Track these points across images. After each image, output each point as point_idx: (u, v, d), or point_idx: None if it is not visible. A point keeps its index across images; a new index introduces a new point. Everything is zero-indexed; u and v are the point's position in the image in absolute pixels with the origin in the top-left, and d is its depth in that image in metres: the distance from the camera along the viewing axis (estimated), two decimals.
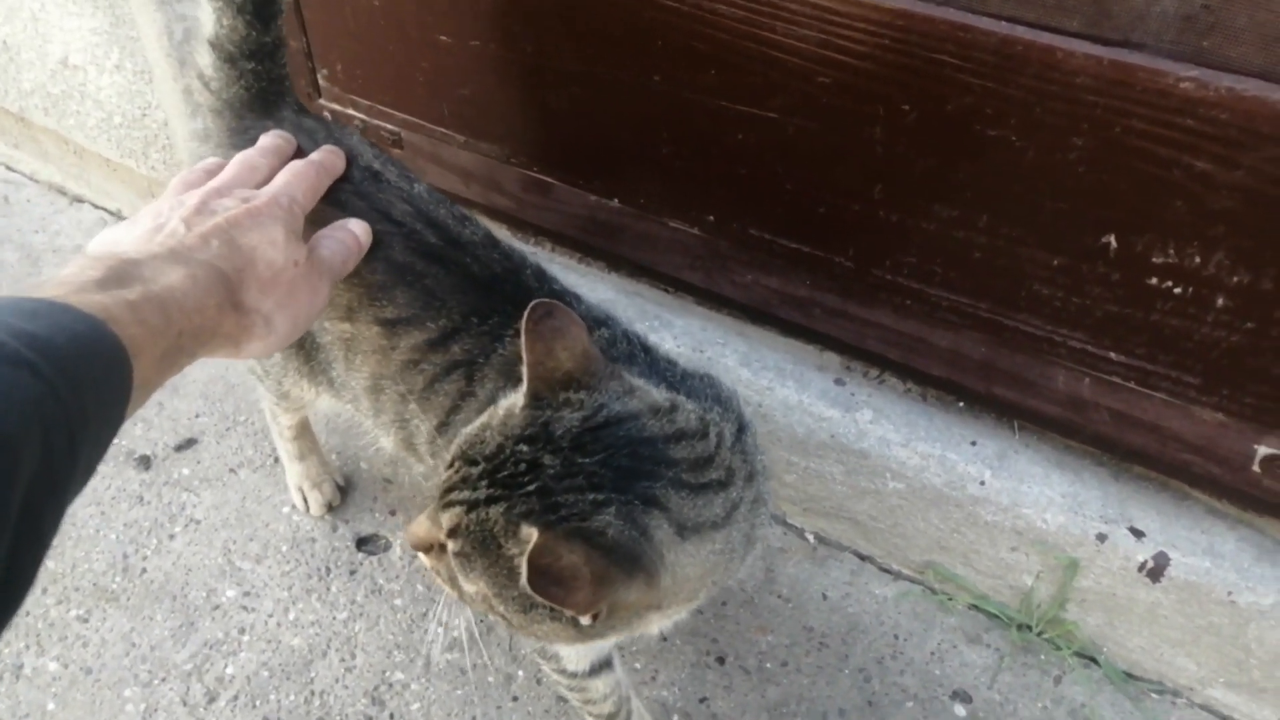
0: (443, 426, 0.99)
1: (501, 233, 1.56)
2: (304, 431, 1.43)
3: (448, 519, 0.77)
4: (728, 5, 1.09)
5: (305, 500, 1.48)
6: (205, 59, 1.11)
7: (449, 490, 0.77)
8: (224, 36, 1.07)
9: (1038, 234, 1.07)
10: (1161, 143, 0.94)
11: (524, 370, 0.77)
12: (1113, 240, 1.03)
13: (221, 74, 1.10)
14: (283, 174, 0.90)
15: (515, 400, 0.78)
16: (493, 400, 0.92)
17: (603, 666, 1.09)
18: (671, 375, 0.92)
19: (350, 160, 1.01)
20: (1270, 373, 1.03)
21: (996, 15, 0.97)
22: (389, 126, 1.51)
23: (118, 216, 1.99)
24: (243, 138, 1.08)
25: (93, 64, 1.58)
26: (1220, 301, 1.01)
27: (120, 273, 0.67)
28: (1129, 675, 1.32)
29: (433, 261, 0.98)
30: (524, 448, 0.74)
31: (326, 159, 0.96)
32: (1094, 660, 1.34)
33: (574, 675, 1.07)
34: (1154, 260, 1.02)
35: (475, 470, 0.75)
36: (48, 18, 1.57)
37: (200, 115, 1.17)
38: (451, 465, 0.78)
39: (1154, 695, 1.31)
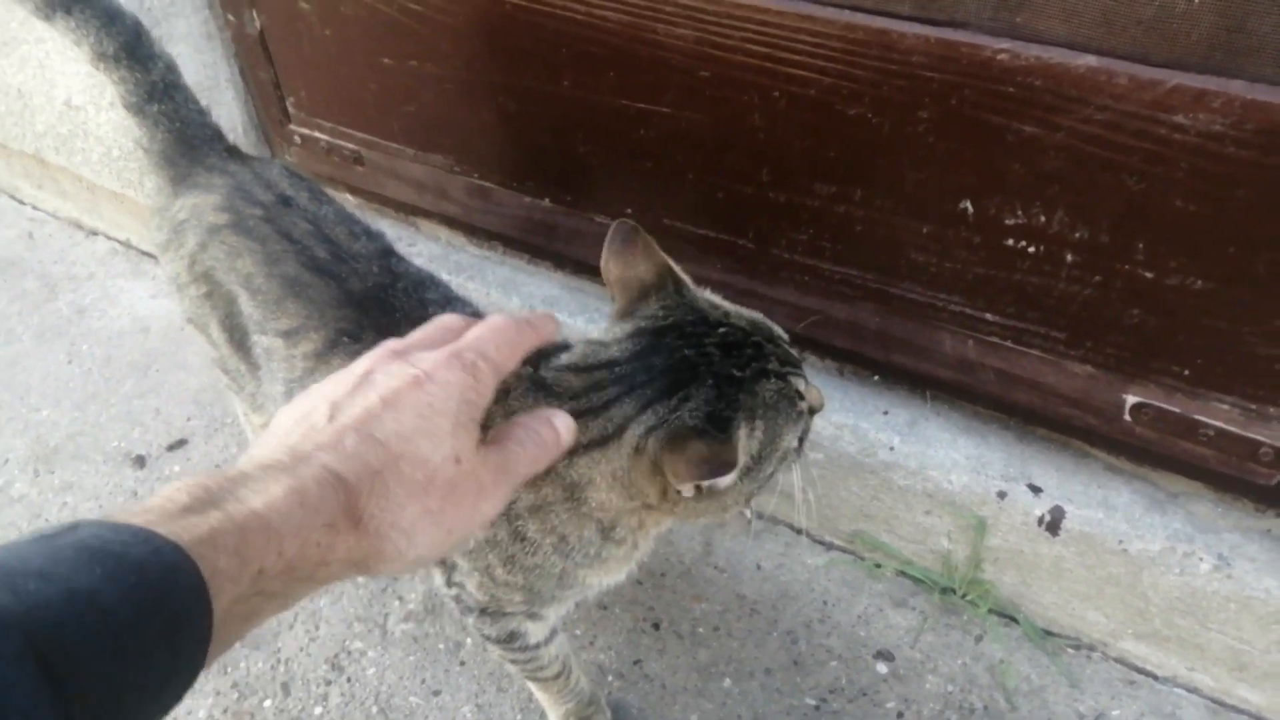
0: None
1: (457, 239, 1.70)
2: None
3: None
4: (615, 10, 1.20)
5: None
6: (131, 122, 1.26)
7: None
8: (123, 92, 1.22)
9: (905, 204, 1.16)
10: (991, 110, 1.03)
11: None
12: (969, 205, 1.11)
13: (144, 128, 1.25)
14: (477, 327, 0.73)
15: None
16: None
17: (553, 635, 1.17)
18: None
19: (268, 186, 1.16)
20: (1123, 322, 1.10)
21: (839, 4, 1.06)
22: (350, 145, 1.65)
23: (128, 246, 2.17)
24: (184, 185, 1.23)
25: (91, 103, 1.75)
26: (1069, 257, 1.09)
27: (211, 497, 0.52)
28: (1047, 633, 1.37)
29: (318, 274, 1.09)
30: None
31: (537, 317, 0.78)
32: (1015, 619, 1.39)
33: (535, 647, 1.14)
34: (1007, 222, 1.10)
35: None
36: (52, 64, 1.75)
37: (148, 179, 1.30)
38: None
39: (1070, 650, 1.36)
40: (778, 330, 0.93)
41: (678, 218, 1.37)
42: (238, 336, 1.19)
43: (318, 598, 1.48)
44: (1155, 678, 1.32)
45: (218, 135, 1.29)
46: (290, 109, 1.68)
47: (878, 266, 1.24)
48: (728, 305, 0.93)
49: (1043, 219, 1.08)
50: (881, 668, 1.36)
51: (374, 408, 0.61)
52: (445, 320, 0.76)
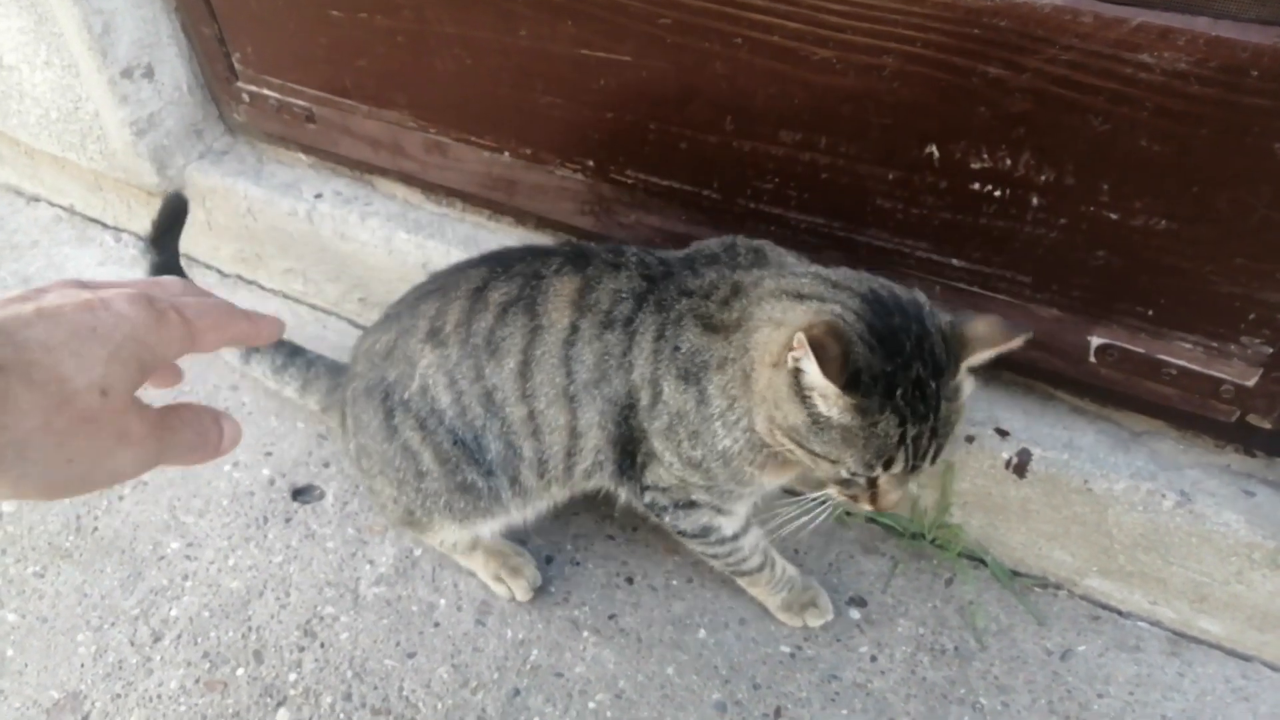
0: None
1: (415, 197, 1.66)
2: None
3: None
4: None
5: (511, 590, 1.40)
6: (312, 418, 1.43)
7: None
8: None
9: (871, 150, 1.15)
10: (956, 53, 1.01)
11: None
12: (935, 150, 1.11)
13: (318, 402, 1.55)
14: (194, 294, 0.67)
15: None
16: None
17: (748, 528, 1.27)
18: None
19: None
20: (1088, 265, 1.10)
21: None
22: (301, 103, 1.60)
23: (72, 212, 2.10)
24: (345, 376, 1.38)
25: (25, 62, 1.67)
26: (1035, 200, 1.09)
27: None
28: (1015, 573, 1.40)
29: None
30: None
31: (262, 319, 0.70)
32: (983, 562, 1.41)
33: (734, 538, 1.24)
34: (973, 166, 1.09)
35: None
36: None
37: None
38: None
39: (1037, 590, 1.38)
40: (953, 428, 0.99)
41: (641, 170, 1.34)
42: (457, 456, 1.20)
43: (287, 565, 1.46)
44: (1119, 613, 1.35)
45: None
46: (237, 65, 1.62)
47: (844, 214, 1.23)
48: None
49: (1008, 162, 1.07)
50: (854, 613, 1.38)
51: (27, 314, 0.56)
52: (164, 278, 0.70)
